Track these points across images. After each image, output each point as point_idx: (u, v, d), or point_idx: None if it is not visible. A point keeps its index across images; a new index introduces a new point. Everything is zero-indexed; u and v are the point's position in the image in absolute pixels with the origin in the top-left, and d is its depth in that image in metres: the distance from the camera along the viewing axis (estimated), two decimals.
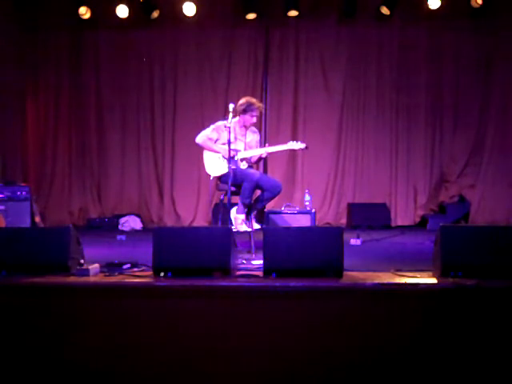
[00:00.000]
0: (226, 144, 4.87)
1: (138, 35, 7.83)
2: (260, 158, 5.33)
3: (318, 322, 3.31)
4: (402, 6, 7.46)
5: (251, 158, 5.25)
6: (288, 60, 7.84)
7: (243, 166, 5.15)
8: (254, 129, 5.41)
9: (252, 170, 5.19)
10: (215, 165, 5.17)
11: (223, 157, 5.08)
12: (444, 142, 7.81)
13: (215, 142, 5.21)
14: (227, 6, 7.71)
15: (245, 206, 5.01)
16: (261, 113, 7.67)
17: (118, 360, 3.34)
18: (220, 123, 5.22)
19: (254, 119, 5.24)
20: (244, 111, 5.16)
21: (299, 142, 5.27)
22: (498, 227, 4.58)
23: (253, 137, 5.34)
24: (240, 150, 5.17)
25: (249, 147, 5.25)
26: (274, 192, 5.08)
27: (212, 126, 5.27)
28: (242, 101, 5.19)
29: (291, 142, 5.29)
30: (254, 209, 5.17)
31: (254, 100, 5.23)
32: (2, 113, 7.27)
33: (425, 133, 7.81)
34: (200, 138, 5.25)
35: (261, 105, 5.28)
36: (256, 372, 3.30)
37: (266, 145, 5.38)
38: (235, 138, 5.15)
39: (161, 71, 7.96)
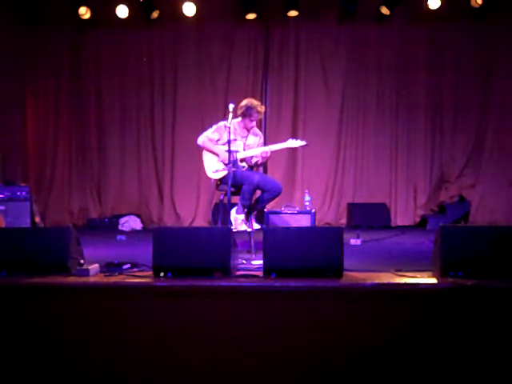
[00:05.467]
0: (226, 144, 4.84)
1: (138, 35, 7.83)
2: (261, 163, 5.28)
3: (318, 322, 3.31)
4: (402, 6, 7.46)
5: (251, 159, 5.22)
6: (288, 60, 7.83)
7: (243, 166, 5.13)
8: (256, 131, 5.35)
9: (252, 172, 5.16)
10: (215, 167, 5.15)
11: (221, 160, 5.06)
12: (444, 142, 7.81)
13: (216, 142, 5.18)
14: (227, 6, 7.70)
15: (244, 207, 5.00)
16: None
17: (117, 360, 3.35)
18: (222, 123, 5.19)
19: (254, 123, 5.19)
20: (243, 115, 5.12)
21: (299, 140, 5.20)
22: (498, 227, 4.60)
23: (254, 139, 5.27)
24: (239, 151, 5.15)
25: (248, 149, 5.22)
26: (274, 193, 5.04)
27: (214, 127, 5.24)
28: (243, 103, 5.13)
29: (290, 139, 5.21)
30: (254, 209, 5.15)
31: (255, 103, 5.13)
32: (2, 113, 7.26)
33: (425, 133, 7.81)
34: (201, 139, 5.23)
35: (262, 108, 5.16)
36: (256, 372, 3.31)
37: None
38: (235, 139, 5.12)
39: (161, 71, 7.96)
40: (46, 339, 3.37)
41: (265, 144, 5.64)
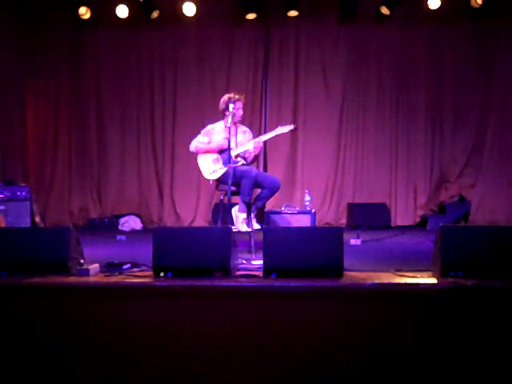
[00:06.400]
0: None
1: (138, 35, 7.83)
2: (256, 155, 5.34)
3: (317, 322, 3.30)
4: (402, 6, 7.46)
5: (244, 153, 5.25)
6: (288, 60, 7.83)
7: (239, 162, 5.17)
8: (243, 128, 5.43)
9: (250, 167, 5.20)
10: (211, 168, 5.20)
11: (219, 154, 5.16)
12: (444, 142, 7.81)
13: (207, 145, 5.30)
14: (227, 6, 7.70)
15: (245, 204, 5.03)
16: (260, 113, 7.78)
17: (117, 360, 3.35)
18: (209, 127, 5.36)
19: (240, 111, 5.25)
20: (227, 107, 5.17)
21: (287, 125, 5.29)
22: (498, 227, 4.59)
23: (244, 136, 5.36)
24: (232, 148, 5.18)
25: (240, 145, 5.27)
26: (272, 189, 5.09)
27: (202, 131, 5.39)
28: (222, 99, 5.24)
29: (279, 126, 5.29)
30: (254, 207, 5.17)
31: (231, 94, 5.24)
32: (2, 112, 7.26)
33: (425, 133, 7.80)
34: (192, 145, 5.35)
35: (239, 95, 5.24)
36: (256, 372, 3.31)
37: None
38: (226, 138, 5.15)
39: (161, 71, 7.96)
40: (46, 339, 3.37)
41: None
